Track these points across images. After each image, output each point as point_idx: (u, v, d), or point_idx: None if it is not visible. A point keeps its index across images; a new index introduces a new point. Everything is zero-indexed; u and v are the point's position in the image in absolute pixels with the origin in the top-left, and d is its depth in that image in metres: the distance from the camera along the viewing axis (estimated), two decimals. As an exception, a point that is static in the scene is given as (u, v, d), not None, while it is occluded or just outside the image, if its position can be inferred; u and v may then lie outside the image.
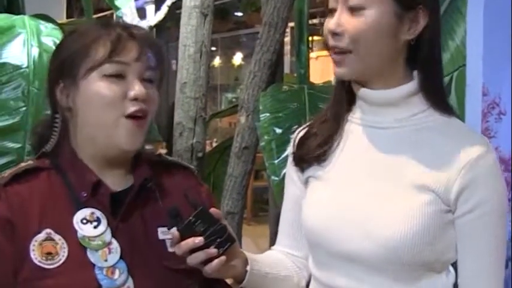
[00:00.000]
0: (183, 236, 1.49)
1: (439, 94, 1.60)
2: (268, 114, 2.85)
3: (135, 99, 1.58)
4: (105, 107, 1.58)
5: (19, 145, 2.50)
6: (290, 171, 1.76)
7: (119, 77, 1.58)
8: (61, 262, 1.52)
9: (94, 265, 1.53)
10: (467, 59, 2.09)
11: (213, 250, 1.50)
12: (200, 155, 3.18)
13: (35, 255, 1.51)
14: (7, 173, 1.61)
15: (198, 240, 1.48)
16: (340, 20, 1.51)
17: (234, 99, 13.31)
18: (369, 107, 1.60)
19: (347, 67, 1.54)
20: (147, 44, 1.63)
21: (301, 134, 1.73)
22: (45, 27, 2.80)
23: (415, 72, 1.57)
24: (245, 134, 3.10)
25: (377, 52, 1.52)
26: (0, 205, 1.55)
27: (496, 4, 2.02)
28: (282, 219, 1.81)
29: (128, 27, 1.65)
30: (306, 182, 1.70)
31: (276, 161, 2.74)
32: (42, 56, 2.62)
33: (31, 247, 1.52)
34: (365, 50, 1.51)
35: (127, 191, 1.64)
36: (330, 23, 1.53)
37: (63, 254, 1.53)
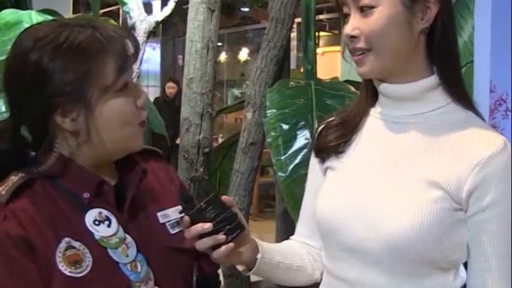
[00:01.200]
0: (193, 221, 1.51)
1: (459, 86, 1.60)
2: (274, 110, 2.84)
3: (142, 106, 1.58)
4: (126, 122, 1.55)
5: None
6: (312, 162, 1.78)
7: (125, 86, 1.54)
8: (89, 268, 1.49)
9: (118, 263, 1.53)
10: (475, 55, 2.09)
11: (221, 236, 1.51)
12: (207, 150, 3.18)
13: (64, 267, 1.47)
14: (2, 191, 1.51)
15: (207, 225, 1.50)
16: (354, 24, 1.53)
17: (240, 95, 13.30)
18: (389, 102, 1.62)
19: (367, 65, 1.55)
20: (134, 41, 1.58)
21: (323, 125, 1.75)
22: (52, 22, 2.80)
23: (436, 67, 1.58)
24: (252, 130, 3.10)
25: (394, 46, 1.53)
26: (9, 224, 1.47)
27: (503, 1, 2.02)
28: (302, 210, 1.83)
29: (114, 29, 1.54)
30: (325, 172, 1.72)
31: (282, 157, 2.73)
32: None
33: (57, 259, 1.47)
34: (382, 46, 1.53)
35: (119, 185, 1.63)
36: (347, 28, 1.55)
37: (88, 259, 1.50)
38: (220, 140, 7.67)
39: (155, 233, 1.63)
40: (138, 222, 1.61)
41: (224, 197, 1.55)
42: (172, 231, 1.65)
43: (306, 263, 1.76)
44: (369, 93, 1.66)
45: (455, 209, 1.52)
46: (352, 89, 2.96)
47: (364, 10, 1.52)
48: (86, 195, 1.55)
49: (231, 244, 1.53)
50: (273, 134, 2.79)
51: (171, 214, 1.68)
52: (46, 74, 1.47)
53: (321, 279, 1.76)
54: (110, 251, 1.53)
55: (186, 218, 1.52)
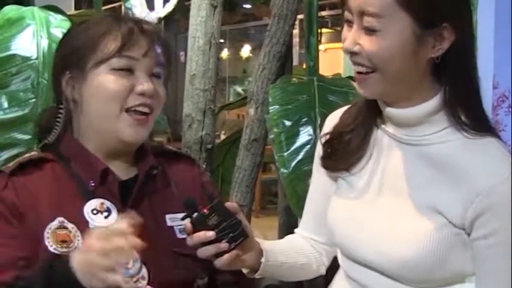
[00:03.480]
0: (196, 228, 1.50)
1: (467, 112, 1.51)
2: (277, 107, 2.84)
3: (142, 94, 1.60)
4: (108, 100, 1.59)
5: (28, 137, 2.50)
6: (319, 163, 1.75)
7: (127, 71, 1.60)
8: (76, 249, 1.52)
9: None
10: (478, 52, 2.08)
11: (223, 245, 1.50)
12: (209, 147, 3.17)
13: (50, 243, 1.53)
14: (12, 163, 1.63)
15: (209, 234, 1.49)
16: (355, 39, 1.45)
17: (242, 92, 13.28)
18: (393, 123, 1.57)
19: (369, 88, 1.50)
20: (157, 40, 1.66)
21: (328, 137, 1.69)
22: (55, 18, 2.80)
23: (442, 89, 1.50)
24: (254, 126, 3.09)
25: (396, 72, 1.45)
26: (7, 192, 1.57)
27: (507, -3, 2.02)
28: (307, 204, 1.82)
29: (139, 22, 1.66)
30: (335, 179, 1.70)
31: (285, 154, 2.73)
32: (52, 47, 2.61)
33: (45, 234, 1.53)
34: (385, 69, 1.45)
35: (133, 179, 1.67)
36: (347, 42, 1.47)
37: (77, 242, 1.54)
38: (223, 137, 7.66)
39: (159, 234, 1.64)
40: (142, 218, 1.59)
41: (228, 204, 1.53)
42: (181, 236, 1.65)
43: (311, 260, 1.76)
44: (374, 106, 1.61)
45: (458, 233, 1.48)
46: (355, 85, 2.95)
47: (368, 30, 1.43)
48: (92, 182, 1.61)
49: (234, 252, 1.52)
50: (275, 130, 2.79)
51: None
52: (64, 41, 1.71)
53: (326, 272, 1.75)
54: None
55: (188, 224, 1.51)
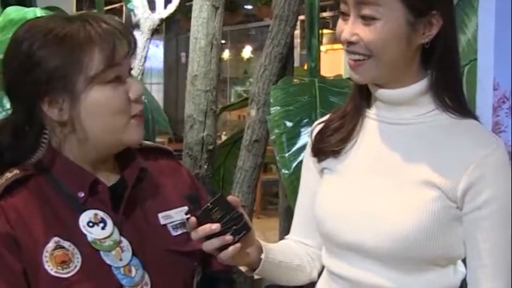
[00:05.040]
0: (200, 222, 1.50)
1: (451, 95, 1.59)
2: (278, 108, 2.85)
3: (137, 99, 1.55)
4: (114, 114, 1.53)
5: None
6: (307, 161, 1.79)
7: (117, 79, 1.53)
8: (77, 269, 1.49)
9: (110, 266, 1.51)
10: (479, 53, 2.09)
11: (228, 237, 1.50)
12: (211, 147, 3.18)
13: (50, 266, 1.47)
14: None
15: (215, 226, 1.49)
16: (353, 30, 1.52)
17: (243, 93, 13.28)
18: (383, 104, 1.62)
19: (363, 73, 1.56)
20: (130, 36, 1.57)
21: (320, 127, 1.74)
22: (57, 19, 2.81)
23: (429, 72, 1.58)
24: (255, 127, 3.10)
25: (391, 58, 1.53)
26: None
27: (507, -2, 2.02)
28: (297, 209, 1.83)
29: (109, 23, 1.54)
30: (321, 172, 1.72)
31: (286, 155, 2.73)
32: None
33: (43, 258, 1.47)
34: (381, 55, 1.52)
35: (119, 184, 1.61)
36: (344, 32, 1.54)
37: (77, 260, 1.49)
38: (224, 138, 7.67)
39: (154, 235, 1.61)
40: (136, 223, 1.59)
41: (230, 197, 1.54)
42: (175, 233, 1.64)
43: (304, 262, 1.77)
44: (364, 94, 1.66)
45: (451, 207, 1.53)
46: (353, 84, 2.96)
47: (366, 19, 1.50)
48: (81, 194, 1.54)
49: (238, 245, 1.52)
50: (276, 131, 2.79)
51: (175, 215, 1.66)
52: (34, 60, 1.49)
53: (318, 278, 1.76)
54: (102, 254, 1.52)
55: (193, 219, 1.50)
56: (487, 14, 2.03)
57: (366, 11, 1.49)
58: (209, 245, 1.51)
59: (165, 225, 1.64)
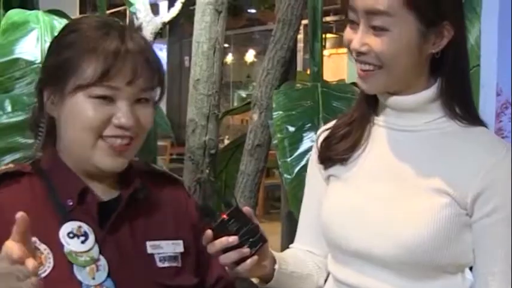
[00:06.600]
0: (216, 235, 1.47)
1: (460, 102, 1.58)
2: (281, 112, 2.84)
3: (120, 127, 1.49)
4: (83, 129, 1.48)
5: (32, 141, 2.50)
6: (312, 168, 1.77)
7: (107, 99, 1.48)
8: (46, 273, 1.44)
9: (81, 283, 1.46)
10: (482, 59, 2.09)
11: (245, 250, 1.48)
12: (213, 152, 3.18)
13: None
14: None
15: (232, 239, 1.47)
16: (363, 40, 1.50)
17: (246, 97, 13.29)
18: (391, 110, 1.61)
19: (373, 84, 1.55)
20: (145, 63, 1.51)
21: (326, 134, 1.72)
22: (59, 22, 2.81)
23: (439, 79, 1.57)
24: (258, 131, 3.09)
25: (401, 68, 1.52)
26: None
27: (510, 4, 2.02)
28: (302, 216, 1.82)
29: (126, 40, 1.50)
30: (327, 179, 1.71)
31: (288, 159, 2.73)
32: (56, 51, 2.62)
33: None
34: (392, 65, 1.50)
35: (115, 201, 1.57)
36: (354, 42, 1.51)
37: (48, 265, 1.45)
38: (226, 142, 7.67)
39: (136, 262, 1.55)
40: (120, 244, 1.54)
41: (245, 209, 1.52)
42: (161, 265, 1.57)
43: (312, 271, 1.76)
44: (371, 101, 1.65)
45: (461, 214, 1.52)
46: (359, 91, 2.95)
47: (377, 29, 1.48)
48: (70, 202, 1.51)
49: (256, 257, 1.50)
50: (279, 135, 2.79)
51: (165, 247, 1.60)
52: (51, 50, 1.58)
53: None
54: (75, 268, 1.46)
55: (209, 231, 1.47)
56: (490, 20, 2.03)
57: (377, 21, 1.47)
58: (227, 259, 1.49)
59: (151, 254, 1.57)
